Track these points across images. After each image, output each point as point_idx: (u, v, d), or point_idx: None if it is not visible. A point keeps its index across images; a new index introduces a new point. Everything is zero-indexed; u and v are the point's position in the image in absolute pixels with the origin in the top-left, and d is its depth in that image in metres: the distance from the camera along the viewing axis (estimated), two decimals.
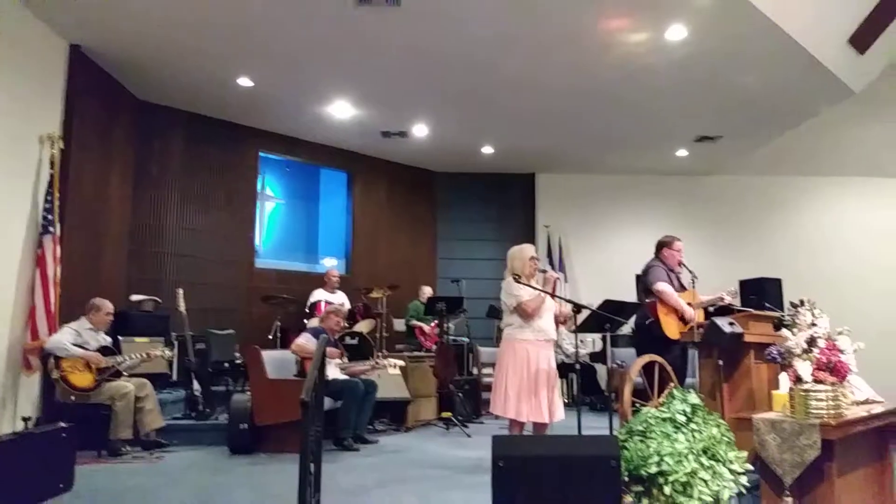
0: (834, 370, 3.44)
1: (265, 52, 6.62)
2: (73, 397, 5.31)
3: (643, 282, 5.54)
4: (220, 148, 8.64)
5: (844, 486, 3.38)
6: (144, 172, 7.95)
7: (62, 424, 4.18)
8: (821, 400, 3.35)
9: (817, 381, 3.43)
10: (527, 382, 4.53)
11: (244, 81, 7.34)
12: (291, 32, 6.19)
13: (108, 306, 5.83)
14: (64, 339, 5.42)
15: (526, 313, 4.61)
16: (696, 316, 5.17)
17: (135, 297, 7.28)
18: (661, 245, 5.64)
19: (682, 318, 5.21)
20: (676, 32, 6.07)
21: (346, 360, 6.35)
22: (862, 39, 6.60)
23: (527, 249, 4.83)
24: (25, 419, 5.23)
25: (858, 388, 3.94)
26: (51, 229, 5.81)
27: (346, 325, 7.19)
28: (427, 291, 8.97)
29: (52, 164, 5.94)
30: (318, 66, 6.99)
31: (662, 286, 5.26)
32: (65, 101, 6.29)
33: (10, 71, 5.52)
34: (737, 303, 6.14)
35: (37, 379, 5.79)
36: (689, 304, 5.22)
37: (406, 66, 6.92)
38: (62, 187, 6.04)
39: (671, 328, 5.16)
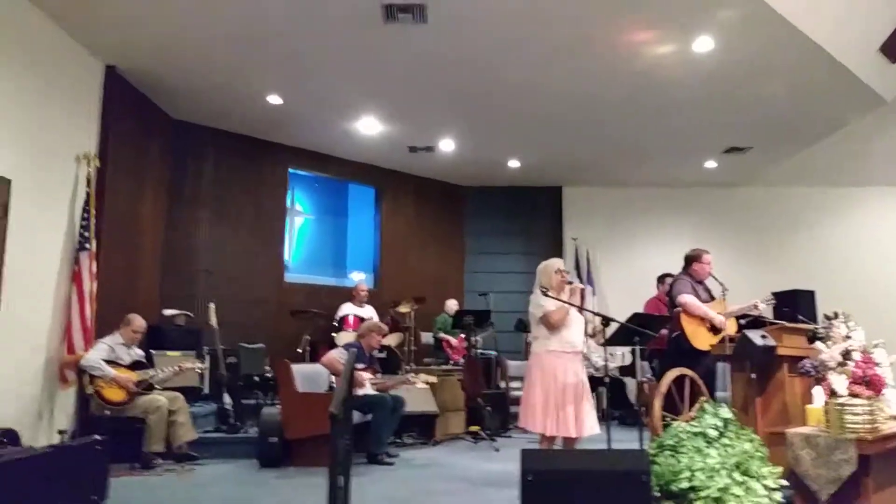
0: (870, 384, 3.38)
1: (294, 70, 6.74)
2: (107, 411, 5.41)
3: (670, 297, 5.52)
4: (251, 164, 8.78)
5: (882, 502, 3.31)
6: (178, 190, 8.10)
7: (97, 437, 4.23)
8: (857, 414, 3.29)
9: (853, 394, 3.37)
10: (553, 396, 4.47)
11: (274, 99, 7.47)
12: (320, 50, 6.29)
13: (136, 323, 5.88)
14: (98, 356, 5.52)
15: (550, 323, 4.57)
16: (728, 325, 5.12)
17: (167, 312, 7.40)
18: (691, 259, 5.60)
19: (714, 329, 5.15)
20: (704, 44, 6.04)
21: (378, 376, 6.36)
22: (893, 48, 6.49)
23: (553, 263, 4.81)
24: (61, 432, 5.33)
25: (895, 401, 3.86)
26: (87, 246, 5.94)
27: None
28: (452, 304, 8.99)
29: (88, 182, 6.08)
30: (346, 83, 7.09)
31: (685, 297, 5.23)
32: (101, 120, 6.45)
33: (49, 92, 5.68)
34: (770, 312, 6.04)
35: (72, 392, 5.90)
36: (718, 313, 5.17)
37: (433, 81, 6.98)
38: (98, 205, 6.17)
39: (700, 340, 5.11)
